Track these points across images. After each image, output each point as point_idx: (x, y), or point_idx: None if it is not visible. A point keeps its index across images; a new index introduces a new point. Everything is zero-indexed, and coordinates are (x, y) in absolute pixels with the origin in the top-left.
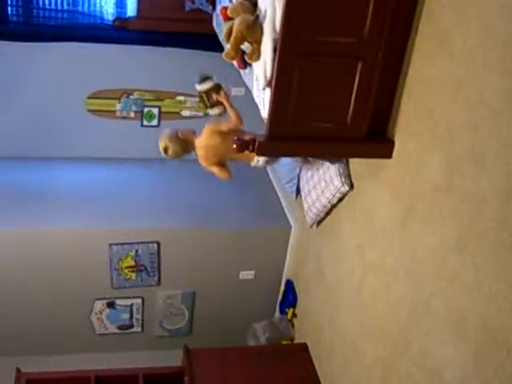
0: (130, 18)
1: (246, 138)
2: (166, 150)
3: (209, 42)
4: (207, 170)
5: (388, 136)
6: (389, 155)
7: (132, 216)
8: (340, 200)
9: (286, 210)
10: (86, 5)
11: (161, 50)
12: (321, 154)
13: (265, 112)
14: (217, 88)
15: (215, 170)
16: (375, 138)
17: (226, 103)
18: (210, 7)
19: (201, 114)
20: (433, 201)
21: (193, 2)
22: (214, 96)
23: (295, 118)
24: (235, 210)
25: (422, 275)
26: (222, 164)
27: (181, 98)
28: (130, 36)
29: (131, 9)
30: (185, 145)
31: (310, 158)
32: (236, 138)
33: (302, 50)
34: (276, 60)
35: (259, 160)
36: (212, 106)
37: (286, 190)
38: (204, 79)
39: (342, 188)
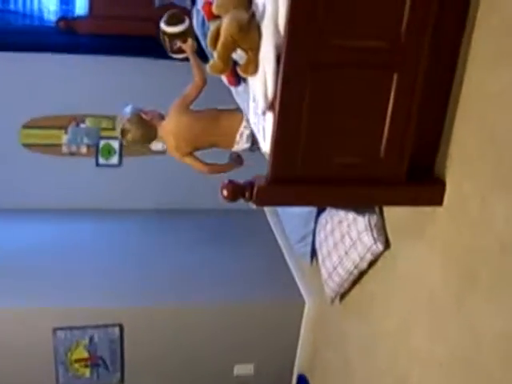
0: (79, 17)
1: (241, 182)
2: (123, 133)
3: None
4: (180, 162)
5: (436, 175)
6: (438, 201)
7: (85, 290)
8: (371, 264)
9: (297, 279)
10: (21, 1)
11: (122, 61)
12: (344, 201)
13: (266, 145)
14: (186, 35)
15: (190, 161)
16: (419, 178)
17: (190, 55)
18: (188, 1)
19: None
20: (501, 266)
21: None
22: (179, 43)
23: (308, 152)
24: (228, 278)
25: (487, 369)
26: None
27: None
28: (79, 42)
29: (81, 5)
30: (148, 130)
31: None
32: (226, 182)
33: (316, 59)
34: (280, 73)
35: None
36: (174, 52)
37: (298, 251)
38: (175, 21)
39: (375, 247)
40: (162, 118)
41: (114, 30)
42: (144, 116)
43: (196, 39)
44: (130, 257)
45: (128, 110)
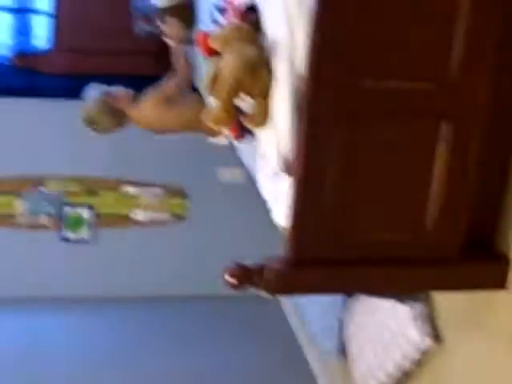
0: (40, 52)
1: (249, 265)
2: (89, 124)
3: None
4: None
5: (497, 250)
6: (500, 283)
7: None
8: (418, 363)
9: (321, 380)
10: None
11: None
12: (381, 286)
13: (279, 215)
14: (177, 11)
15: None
16: (475, 255)
17: (171, 39)
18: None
19: (165, 216)
20: None
21: (147, 21)
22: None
23: (335, 226)
24: (237, 372)
25: None
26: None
27: (130, 189)
28: (40, 83)
29: (42, 36)
30: (118, 117)
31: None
32: (232, 265)
33: (345, 106)
34: (299, 125)
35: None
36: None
37: (321, 347)
38: None
39: (421, 342)
40: (130, 96)
41: (84, 68)
42: (111, 101)
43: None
44: (110, 359)
45: (91, 93)
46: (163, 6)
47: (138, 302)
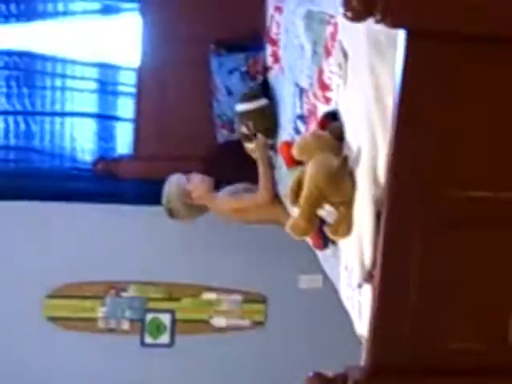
0: (121, 158)
1: (330, 374)
2: (171, 214)
3: None
4: None
5: None
6: None
7: None
8: None
9: None
10: (48, 137)
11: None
12: None
13: (362, 325)
14: (259, 119)
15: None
16: None
17: (258, 155)
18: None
19: (245, 322)
20: None
21: (231, 131)
22: (245, 130)
23: (416, 335)
24: None
25: None
26: None
27: (211, 295)
28: (121, 189)
29: (123, 143)
30: (196, 207)
31: None
32: (312, 374)
33: (427, 217)
34: (381, 236)
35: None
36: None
37: None
38: (248, 97)
39: None
40: (210, 186)
41: (164, 174)
42: (189, 200)
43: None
44: None
45: (171, 182)
46: (243, 111)
47: None
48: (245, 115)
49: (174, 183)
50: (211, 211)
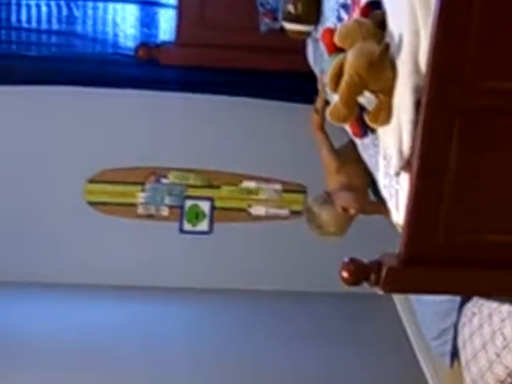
0: (164, 44)
1: (365, 261)
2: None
3: (300, 88)
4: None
5: None
6: None
7: None
8: None
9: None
10: (90, 22)
11: (215, 101)
12: (497, 289)
13: (399, 214)
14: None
15: None
16: None
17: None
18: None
19: (284, 212)
20: None
21: (273, 19)
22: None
23: (453, 225)
24: (345, 374)
25: None
26: None
27: (250, 183)
28: (162, 76)
29: (166, 29)
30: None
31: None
32: (348, 261)
33: (468, 106)
34: (421, 124)
35: None
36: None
37: (434, 350)
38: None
39: None
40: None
41: (206, 62)
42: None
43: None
44: (222, 350)
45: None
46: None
47: (254, 296)
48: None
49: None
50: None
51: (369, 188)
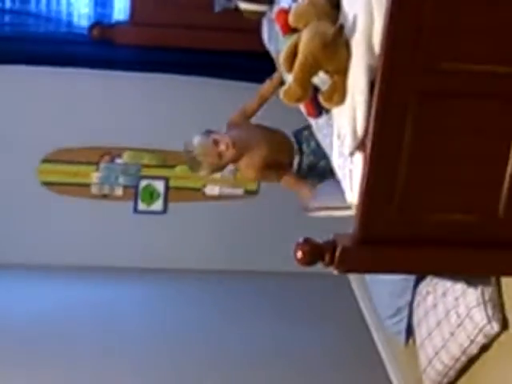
0: (117, 23)
1: (319, 241)
2: (192, 167)
3: (256, 67)
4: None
5: None
6: None
7: (125, 369)
8: (484, 349)
9: (388, 364)
10: (44, 1)
11: (170, 81)
12: (450, 268)
13: (353, 194)
14: None
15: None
16: None
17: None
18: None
19: (239, 191)
20: None
21: None
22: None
23: (406, 205)
24: (301, 360)
25: None
26: None
27: None
28: (117, 55)
29: (120, 8)
30: (215, 169)
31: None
32: (302, 241)
33: (420, 87)
34: (374, 104)
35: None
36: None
37: (389, 329)
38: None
39: (488, 327)
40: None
41: (161, 41)
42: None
43: None
44: (179, 331)
45: (198, 140)
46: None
47: (208, 276)
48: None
49: (202, 145)
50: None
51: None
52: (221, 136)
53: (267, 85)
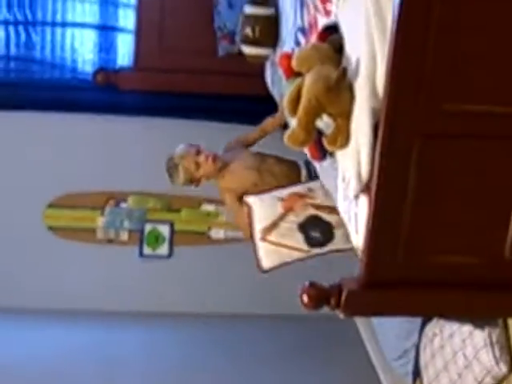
0: (122, 69)
1: (325, 286)
2: (169, 175)
3: (258, 111)
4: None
5: None
6: None
7: None
8: None
9: None
10: (49, 47)
11: (175, 125)
12: (457, 310)
13: (358, 237)
14: (267, 22)
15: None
16: None
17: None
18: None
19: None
20: None
21: (231, 42)
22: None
23: (411, 247)
24: None
25: None
26: None
27: (209, 206)
28: (121, 100)
29: (124, 54)
30: (194, 181)
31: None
32: (307, 285)
33: (424, 129)
34: (378, 147)
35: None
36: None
37: (396, 371)
38: (261, 1)
39: (496, 369)
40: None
41: (165, 86)
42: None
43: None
44: (185, 376)
45: (181, 149)
46: (250, 13)
47: (214, 319)
48: (253, 18)
49: (183, 149)
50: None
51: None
52: (206, 150)
53: (269, 121)
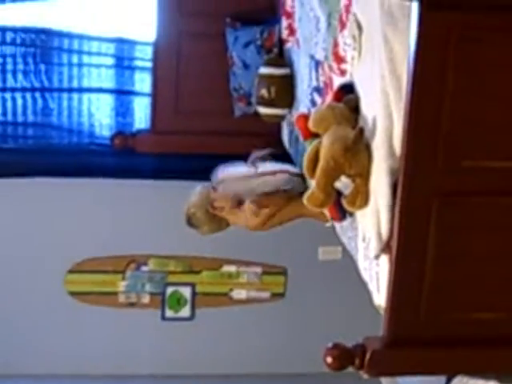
0: (139, 132)
1: (348, 346)
2: (191, 220)
3: None
4: None
5: None
6: None
7: None
8: None
9: None
10: (66, 113)
11: (194, 187)
12: (482, 367)
13: (380, 296)
14: (282, 83)
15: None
16: None
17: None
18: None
19: (265, 294)
20: None
21: (247, 104)
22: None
23: (434, 305)
24: None
25: None
26: None
27: (230, 268)
28: (139, 164)
29: (141, 117)
30: (218, 222)
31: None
32: (331, 346)
33: (443, 188)
34: (398, 207)
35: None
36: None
37: None
38: (276, 63)
39: None
40: (238, 201)
41: (182, 148)
42: (211, 208)
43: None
44: None
45: (196, 193)
46: (265, 74)
47: (238, 381)
48: (268, 79)
49: (198, 191)
50: (232, 225)
51: None
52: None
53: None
